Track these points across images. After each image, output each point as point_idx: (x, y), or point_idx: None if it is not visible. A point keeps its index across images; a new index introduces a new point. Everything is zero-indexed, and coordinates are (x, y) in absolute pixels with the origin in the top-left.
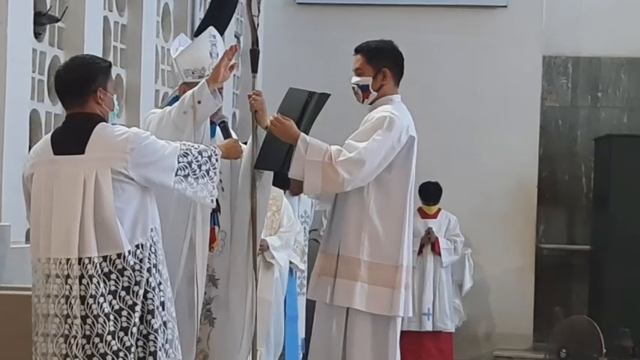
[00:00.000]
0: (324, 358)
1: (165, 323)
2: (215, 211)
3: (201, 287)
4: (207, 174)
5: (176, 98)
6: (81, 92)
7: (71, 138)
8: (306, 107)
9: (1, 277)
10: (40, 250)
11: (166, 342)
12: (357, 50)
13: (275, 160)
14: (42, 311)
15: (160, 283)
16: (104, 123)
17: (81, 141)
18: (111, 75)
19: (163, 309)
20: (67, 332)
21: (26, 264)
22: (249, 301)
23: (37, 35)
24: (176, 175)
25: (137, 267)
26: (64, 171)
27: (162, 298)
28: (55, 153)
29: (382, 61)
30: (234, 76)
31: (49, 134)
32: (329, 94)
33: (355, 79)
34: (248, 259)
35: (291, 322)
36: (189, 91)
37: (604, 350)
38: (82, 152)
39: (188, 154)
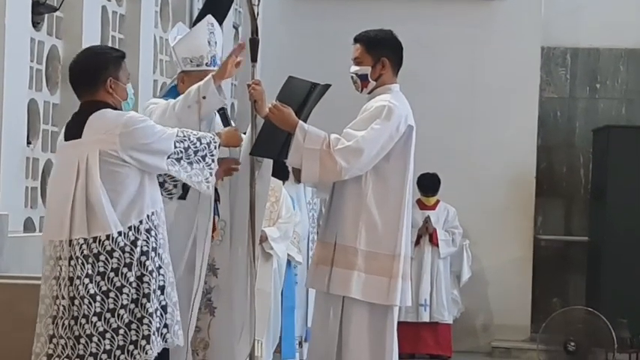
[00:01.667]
0: (322, 347)
1: (164, 307)
2: (215, 201)
3: (202, 277)
4: (204, 159)
5: (175, 87)
6: (90, 82)
7: (75, 124)
8: (307, 98)
9: None
10: (44, 233)
11: (164, 326)
12: (357, 39)
13: (272, 147)
14: (41, 292)
15: (160, 267)
16: (106, 109)
17: (80, 126)
18: (123, 65)
19: (162, 293)
20: (54, 313)
21: (24, 253)
22: (249, 291)
23: (36, 25)
24: (168, 157)
25: (128, 249)
26: (65, 156)
27: (161, 282)
28: (65, 139)
29: (381, 51)
30: None
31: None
32: (329, 85)
33: (354, 68)
34: (248, 249)
35: (288, 313)
36: (195, 86)
37: (616, 345)
38: (80, 136)
39: (185, 140)
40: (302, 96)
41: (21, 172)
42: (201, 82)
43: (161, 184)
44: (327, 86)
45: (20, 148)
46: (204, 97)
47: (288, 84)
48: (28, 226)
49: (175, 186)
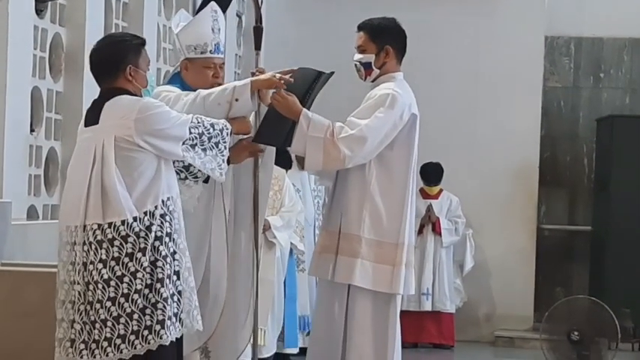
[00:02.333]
0: (326, 335)
1: (180, 293)
2: None
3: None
4: (217, 146)
5: (178, 74)
6: (110, 70)
7: (94, 110)
8: (313, 85)
9: (2, 254)
10: (61, 218)
11: (182, 311)
12: (360, 27)
13: (276, 135)
14: (58, 278)
15: (175, 253)
16: (123, 95)
17: (98, 112)
18: (143, 52)
19: (178, 278)
20: (73, 298)
21: (27, 240)
22: (253, 279)
23: (39, 12)
24: (184, 144)
25: (142, 234)
26: (83, 141)
27: (176, 268)
28: (85, 125)
29: (385, 39)
30: (236, 55)
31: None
32: (333, 73)
33: (358, 56)
34: (251, 237)
35: (290, 301)
36: (231, 84)
37: (619, 335)
38: (97, 122)
39: (199, 126)
40: (306, 84)
41: (24, 159)
42: (238, 83)
43: (186, 167)
44: (331, 74)
45: (23, 136)
46: (236, 100)
47: (294, 73)
48: (31, 213)
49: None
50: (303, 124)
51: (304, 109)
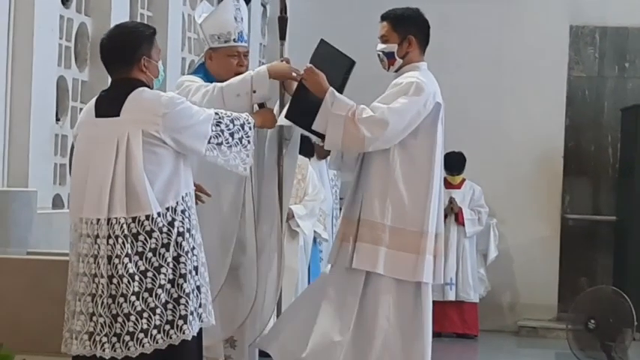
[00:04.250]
0: (331, 322)
1: (198, 288)
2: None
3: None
4: (240, 142)
5: (203, 65)
6: (124, 61)
7: (110, 101)
8: (347, 75)
9: (27, 242)
10: (76, 209)
11: (200, 306)
12: (383, 17)
13: (302, 115)
14: (75, 270)
15: (194, 248)
16: (143, 87)
17: (118, 104)
18: (155, 42)
19: (197, 273)
20: (94, 291)
21: (52, 229)
22: (275, 268)
23: (65, 2)
24: (209, 142)
25: (165, 230)
26: (100, 133)
27: (195, 263)
28: (97, 115)
29: (408, 28)
30: (261, 44)
31: (97, 96)
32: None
33: (381, 46)
34: (277, 226)
35: None
36: (247, 74)
37: (635, 323)
38: (118, 115)
39: (221, 123)
40: (341, 70)
41: (50, 148)
42: (254, 74)
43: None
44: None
45: (49, 125)
46: (254, 91)
47: (320, 49)
48: (57, 202)
49: None
50: (328, 101)
51: (331, 88)
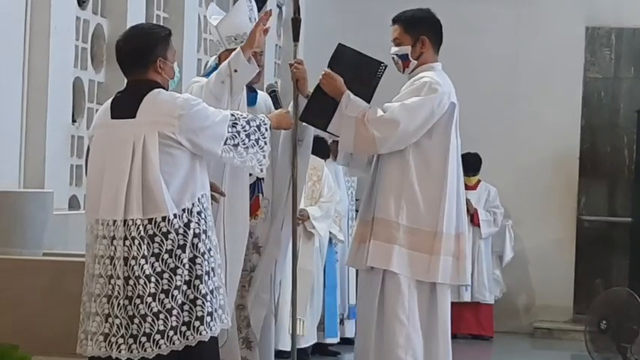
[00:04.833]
0: (364, 324)
1: (217, 289)
2: (259, 180)
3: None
4: (257, 143)
5: (216, 66)
6: (140, 63)
7: (126, 102)
8: (378, 78)
9: (43, 243)
10: (92, 211)
11: (219, 307)
12: (394, 20)
13: (318, 116)
14: (91, 271)
15: (210, 249)
16: (159, 89)
17: (134, 105)
18: (171, 43)
19: (214, 275)
20: (110, 292)
21: (68, 230)
22: (289, 269)
23: (81, 3)
24: (225, 143)
25: (181, 231)
26: (116, 134)
27: (212, 264)
28: (112, 117)
29: (420, 29)
30: (276, 45)
31: (112, 98)
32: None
33: (394, 49)
34: (286, 227)
35: (330, 291)
36: (225, 61)
37: None
38: (134, 116)
39: (237, 124)
40: (369, 73)
41: (66, 150)
42: (230, 57)
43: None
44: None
45: (65, 127)
46: (235, 71)
47: (340, 53)
48: (73, 203)
49: None
50: (343, 104)
51: (347, 90)
